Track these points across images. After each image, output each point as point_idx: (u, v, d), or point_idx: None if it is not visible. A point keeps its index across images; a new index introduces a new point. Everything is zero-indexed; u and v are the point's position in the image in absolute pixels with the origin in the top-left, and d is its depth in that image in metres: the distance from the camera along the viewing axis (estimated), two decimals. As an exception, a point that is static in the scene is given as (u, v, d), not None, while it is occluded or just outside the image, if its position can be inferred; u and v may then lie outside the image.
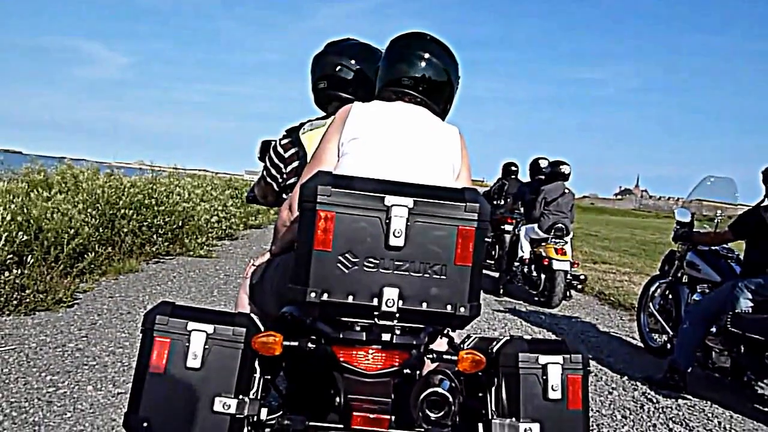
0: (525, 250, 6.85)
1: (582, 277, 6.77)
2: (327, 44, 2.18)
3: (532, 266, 6.71)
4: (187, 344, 1.25)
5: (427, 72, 1.72)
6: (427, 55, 1.73)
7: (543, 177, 7.10)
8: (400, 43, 1.79)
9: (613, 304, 7.04)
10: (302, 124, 2.09)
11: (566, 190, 6.79)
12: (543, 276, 6.50)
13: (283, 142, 2.08)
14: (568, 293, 6.54)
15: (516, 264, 6.99)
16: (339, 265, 1.19)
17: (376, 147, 1.55)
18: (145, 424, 1.22)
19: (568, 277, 6.41)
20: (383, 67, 1.79)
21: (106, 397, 2.90)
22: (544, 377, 1.34)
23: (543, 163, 7.31)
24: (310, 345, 1.32)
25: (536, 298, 6.66)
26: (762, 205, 3.83)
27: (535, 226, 6.71)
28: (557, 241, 6.45)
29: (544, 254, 6.43)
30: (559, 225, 6.49)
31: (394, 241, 1.20)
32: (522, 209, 7.48)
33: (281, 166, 2.06)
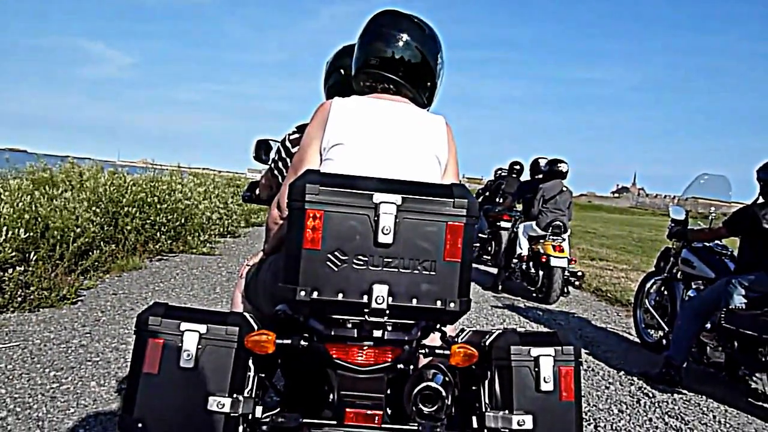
0: (523, 247, 6.93)
1: (579, 273, 6.84)
2: (340, 48, 2.18)
3: (530, 263, 6.79)
4: (181, 344, 1.26)
5: (401, 53, 1.63)
6: (400, 35, 1.63)
7: (542, 176, 7.17)
8: (375, 23, 1.69)
9: (610, 301, 7.11)
10: None
11: (564, 188, 6.86)
12: (541, 273, 6.60)
13: (292, 137, 2.08)
14: (565, 290, 6.64)
15: (514, 261, 7.06)
16: (328, 263, 1.19)
17: (360, 153, 1.52)
18: (139, 425, 1.22)
19: (566, 273, 6.50)
20: (357, 47, 1.71)
21: (109, 393, 2.92)
22: (537, 369, 1.35)
23: (542, 162, 7.36)
24: (303, 342, 1.32)
25: (534, 295, 6.75)
26: (756, 203, 3.87)
27: (534, 223, 6.79)
28: (555, 238, 6.52)
29: (542, 251, 6.53)
30: (557, 222, 6.57)
31: (383, 239, 1.20)
32: (521, 207, 7.53)
33: (287, 160, 2.08)
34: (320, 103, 1.65)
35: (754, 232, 3.77)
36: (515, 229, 7.33)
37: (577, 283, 6.85)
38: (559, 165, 6.90)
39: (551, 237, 6.53)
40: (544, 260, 6.46)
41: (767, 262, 3.66)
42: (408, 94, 1.68)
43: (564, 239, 6.61)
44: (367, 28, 1.70)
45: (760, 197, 3.90)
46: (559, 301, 6.66)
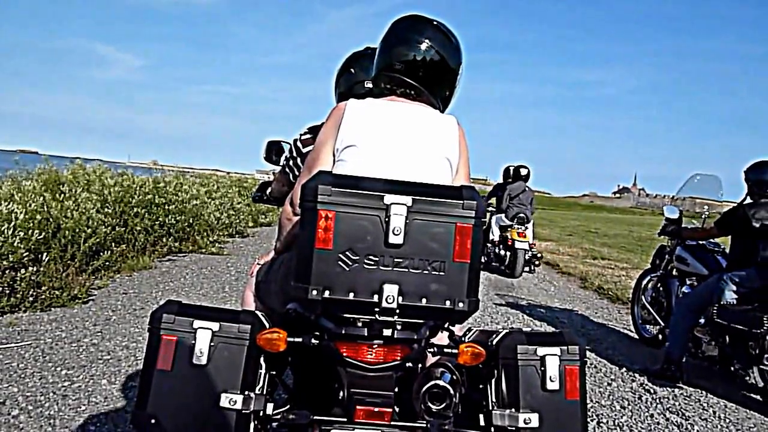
0: (495, 234, 8.75)
1: (539, 255, 8.78)
2: (350, 54, 2.20)
3: (500, 245, 8.61)
4: (194, 342, 1.28)
5: (422, 57, 1.65)
6: (422, 40, 1.65)
7: (510, 179, 9.03)
8: (398, 27, 1.71)
9: (611, 299, 7.31)
10: (323, 123, 2.13)
11: (526, 188, 8.78)
12: (508, 253, 8.38)
13: (304, 137, 2.10)
14: (531, 268, 8.59)
15: (488, 245, 8.80)
16: (340, 263, 1.21)
17: (372, 155, 1.53)
18: (152, 421, 1.24)
19: (528, 255, 8.32)
20: (379, 50, 1.72)
21: (120, 391, 2.96)
22: (543, 368, 1.37)
23: (511, 169, 9.17)
24: (313, 341, 1.34)
25: (504, 270, 8.48)
26: (745, 202, 3.97)
27: (503, 215, 8.64)
28: (518, 226, 8.31)
29: (509, 237, 8.37)
30: (521, 215, 8.38)
31: (393, 239, 1.21)
32: (494, 203, 9.17)
33: (298, 159, 2.10)
34: (335, 104, 1.67)
35: (743, 230, 3.86)
36: (488, 221, 8.85)
37: (537, 263, 8.66)
38: (521, 170, 8.89)
39: (516, 225, 8.32)
40: (510, 243, 8.29)
41: (757, 259, 3.76)
42: (426, 100, 1.69)
43: (527, 227, 8.37)
44: (391, 30, 1.72)
45: (748, 197, 4.02)
46: (562, 299, 7.03)
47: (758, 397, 3.80)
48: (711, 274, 4.15)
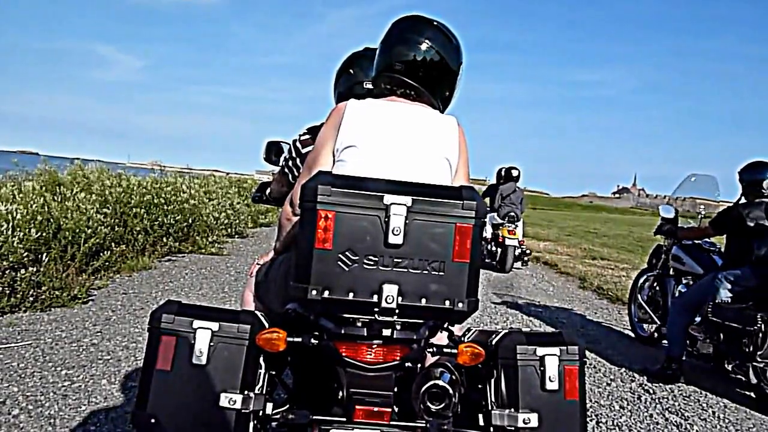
0: (488, 232, 9.16)
1: (528, 251, 9.31)
2: (350, 54, 2.20)
3: (492, 242, 9.18)
4: (193, 342, 1.28)
5: (422, 57, 1.65)
6: (423, 40, 1.65)
7: (503, 180, 9.51)
8: (398, 27, 1.72)
9: (611, 299, 7.36)
10: (323, 124, 2.14)
11: (517, 188, 9.33)
12: (499, 250, 8.96)
13: (303, 138, 2.11)
14: (521, 263, 9.11)
15: (481, 242, 8.54)
16: (339, 263, 1.21)
17: (372, 155, 1.54)
18: (152, 421, 1.24)
19: (517, 251, 8.90)
20: (379, 51, 1.73)
21: (120, 391, 2.97)
22: (542, 368, 1.37)
23: (503, 170, 9.63)
24: (313, 341, 1.34)
25: (495, 265, 9.01)
26: (740, 202, 4.03)
27: (495, 214, 9.11)
28: (509, 225, 8.88)
29: (500, 234, 8.93)
30: (511, 213, 8.97)
31: (393, 239, 1.21)
32: (488, 203, 9.46)
33: (297, 160, 2.11)
34: (335, 105, 1.67)
35: (739, 230, 3.91)
36: None
37: (526, 258, 9.18)
38: (512, 171, 9.44)
39: (507, 224, 8.88)
40: (501, 240, 8.87)
41: (752, 258, 3.79)
42: (426, 100, 1.70)
43: (517, 226, 8.93)
44: (390, 31, 1.72)
45: (743, 197, 4.07)
46: (561, 299, 7.10)
47: (752, 393, 3.83)
48: (706, 273, 4.20)
